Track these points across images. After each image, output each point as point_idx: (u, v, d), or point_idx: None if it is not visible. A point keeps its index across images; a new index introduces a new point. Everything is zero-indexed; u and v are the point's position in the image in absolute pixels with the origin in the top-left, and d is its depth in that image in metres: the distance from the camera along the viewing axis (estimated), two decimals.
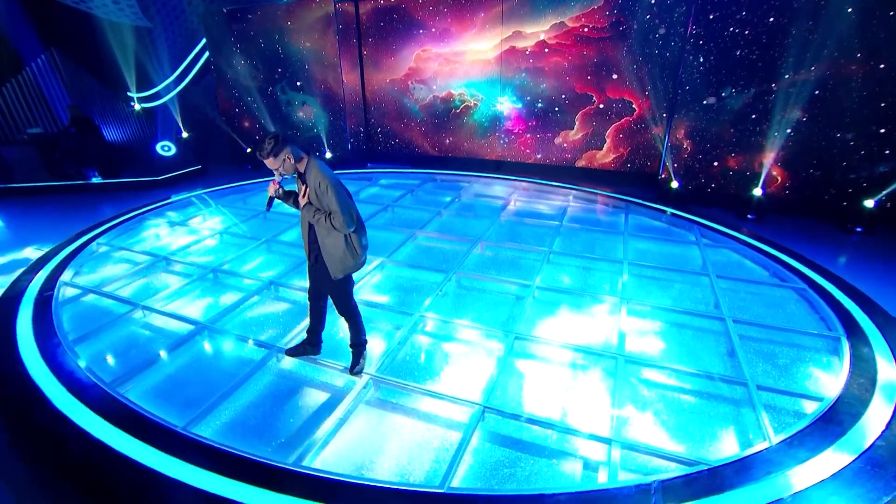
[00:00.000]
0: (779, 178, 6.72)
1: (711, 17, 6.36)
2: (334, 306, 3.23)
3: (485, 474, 2.64)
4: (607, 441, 2.77)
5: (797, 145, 6.45)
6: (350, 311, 3.23)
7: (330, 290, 3.13)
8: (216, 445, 2.70)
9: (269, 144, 2.62)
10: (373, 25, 9.41)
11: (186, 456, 2.62)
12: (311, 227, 2.96)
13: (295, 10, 9.04)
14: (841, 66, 5.87)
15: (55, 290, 4.51)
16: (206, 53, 10.21)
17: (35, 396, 3.10)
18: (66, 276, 4.88)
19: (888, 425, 2.77)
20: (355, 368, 3.32)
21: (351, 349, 3.39)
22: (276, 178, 2.84)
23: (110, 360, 3.66)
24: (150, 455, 2.63)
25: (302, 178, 2.83)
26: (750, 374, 3.27)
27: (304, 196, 2.83)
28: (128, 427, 2.83)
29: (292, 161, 2.72)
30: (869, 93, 5.84)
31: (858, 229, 6.16)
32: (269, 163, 2.67)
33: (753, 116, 6.57)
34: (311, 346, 3.50)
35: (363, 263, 3.05)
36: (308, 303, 3.34)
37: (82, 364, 3.44)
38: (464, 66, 8.96)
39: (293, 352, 3.52)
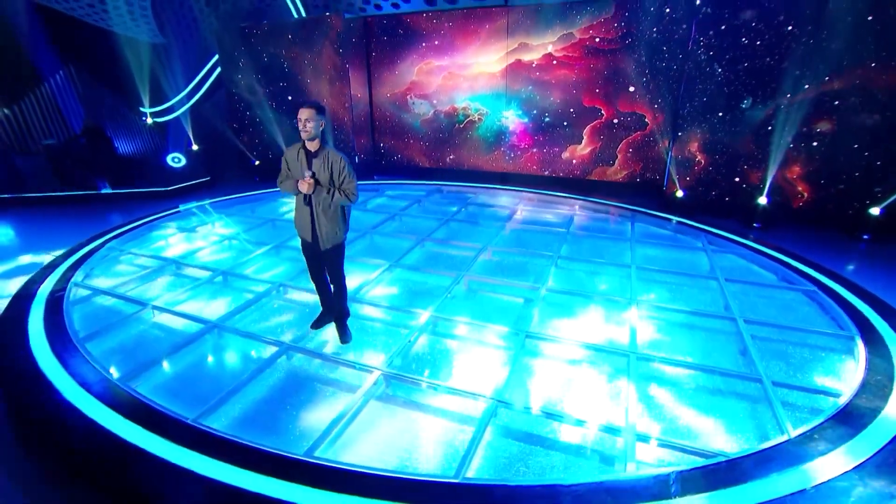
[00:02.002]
0: (785, 188, 6.77)
1: (723, 27, 6.47)
2: (330, 274, 3.57)
3: (499, 467, 2.59)
4: (621, 434, 2.72)
5: (802, 155, 6.52)
6: (343, 277, 3.62)
7: (331, 258, 3.46)
8: (226, 436, 2.67)
9: (321, 104, 3.13)
10: (377, 38, 9.64)
11: (197, 446, 2.60)
12: (311, 209, 3.26)
13: (305, 26, 9.32)
14: (854, 76, 5.96)
15: (66, 291, 4.53)
16: (218, 69, 10.48)
17: (45, 388, 3.10)
18: (78, 277, 4.91)
19: None
20: (345, 337, 3.72)
21: (336, 322, 3.77)
22: (307, 175, 3.14)
23: (120, 356, 3.65)
24: (160, 445, 2.61)
25: (311, 156, 3.18)
26: (764, 371, 3.24)
27: (311, 177, 3.14)
28: (138, 419, 2.81)
29: (320, 130, 3.12)
30: (877, 102, 5.93)
31: (865, 237, 6.17)
32: (308, 113, 3.02)
33: (758, 127, 6.66)
34: (329, 313, 3.85)
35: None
36: (313, 283, 3.73)
37: (92, 360, 3.43)
38: (468, 79, 9.15)
39: (316, 324, 3.83)
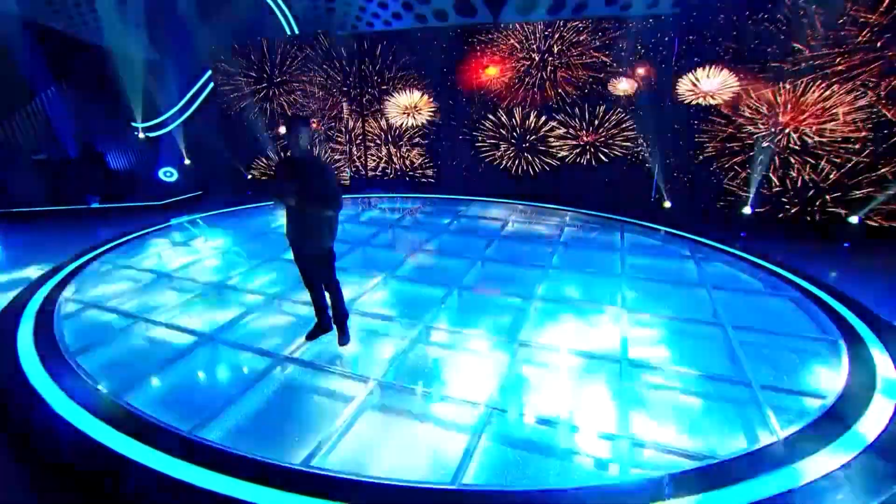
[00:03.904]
0: (767, 198, 6.98)
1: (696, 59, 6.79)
2: (328, 280, 3.64)
3: (495, 474, 2.61)
4: (616, 439, 2.77)
5: (784, 164, 6.75)
6: (336, 281, 3.70)
7: (321, 265, 3.57)
8: (222, 447, 2.66)
9: (306, 118, 3.32)
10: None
11: (193, 458, 2.58)
12: (300, 218, 3.37)
13: (299, 45, 9.48)
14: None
15: (56, 305, 4.49)
16: (211, 84, 10.58)
17: (35, 402, 3.05)
18: (68, 291, 4.87)
19: (891, 420, 2.81)
20: (344, 339, 3.78)
21: (336, 324, 3.80)
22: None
23: (113, 370, 3.61)
24: (155, 458, 2.59)
25: (299, 166, 3.24)
26: (753, 375, 3.31)
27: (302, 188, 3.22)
28: (132, 431, 2.78)
29: (307, 142, 3.26)
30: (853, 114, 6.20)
31: (846, 244, 6.36)
32: (295, 127, 3.16)
33: (740, 138, 6.89)
34: (323, 325, 3.89)
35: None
36: (308, 290, 3.78)
37: (84, 374, 3.40)
38: None
39: (311, 336, 3.87)
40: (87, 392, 3.16)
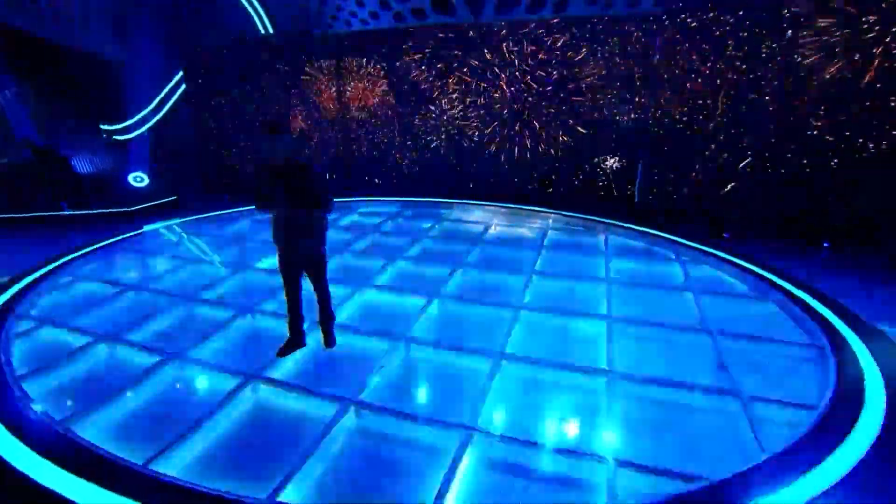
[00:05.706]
0: (750, 199, 7.00)
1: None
2: (319, 282, 3.55)
3: (477, 501, 2.45)
4: (603, 460, 2.63)
5: (768, 166, 6.77)
6: (327, 284, 3.63)
7: (313, 266, 3.48)
8: (180, 482, 2.44)
9: (284, 123, 3.18)
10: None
11: (148, 497, 2.35)
12: (290, 222, 3.24)
13: (274, 44, 9.18)
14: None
15: (6, 323, 4.16)
16: (183, 85, 10.21)
17: None
18: (21, 308, 4.53)
19: (882, 429, 2.74)
20: (330, 341, 3.74)
21: (322, 326, 3.73)
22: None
23: (65, 396, 3.35)
24: (106, 500, 2.34)
25: (285, 171, 3.13)
26: (742, 386, 3.22)
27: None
28: (80, 470, 2.53)
29: (289, 147, 3.14)
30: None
31: (825, 244, 6.40)
32: (276, 136, 3.06)
33: (722, 139, 6.89)
34: (296, 340, 3.69)
35: None
36: (287, 301, 3.57)
37: (29, 402, 3.11)
38: None
39: (283, 352, 3.65)
40: (32, 425, 2.88)
